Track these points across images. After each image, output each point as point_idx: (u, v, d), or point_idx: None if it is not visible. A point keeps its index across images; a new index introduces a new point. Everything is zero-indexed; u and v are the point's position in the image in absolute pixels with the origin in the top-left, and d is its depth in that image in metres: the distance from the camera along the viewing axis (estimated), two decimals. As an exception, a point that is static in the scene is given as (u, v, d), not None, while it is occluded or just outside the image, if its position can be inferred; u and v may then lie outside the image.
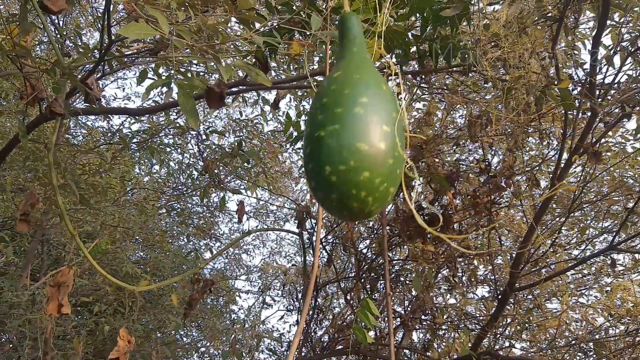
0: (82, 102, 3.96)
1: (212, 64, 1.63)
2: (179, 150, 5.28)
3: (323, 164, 1.06)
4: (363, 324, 2.40)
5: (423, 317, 3.43)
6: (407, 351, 3.87)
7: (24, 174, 3.91)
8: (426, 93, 3.04)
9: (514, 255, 3.02)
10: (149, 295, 5.50)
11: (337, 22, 1.32)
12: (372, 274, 3.35)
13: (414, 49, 2.65)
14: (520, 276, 2.93)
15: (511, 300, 3.31)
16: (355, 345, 3.17)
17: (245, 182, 4.47)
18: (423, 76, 2.90)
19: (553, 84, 2.12)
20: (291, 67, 3.78)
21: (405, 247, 3.25)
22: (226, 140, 5.62)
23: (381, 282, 3.45)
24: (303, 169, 1.36)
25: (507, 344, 3.62)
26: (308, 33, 1.87)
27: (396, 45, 2.49)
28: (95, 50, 2.96)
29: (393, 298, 3.58)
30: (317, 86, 1.24)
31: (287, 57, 3.18)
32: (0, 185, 4.28)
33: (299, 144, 3.10)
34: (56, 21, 3.10)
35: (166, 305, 5.31)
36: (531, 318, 3.48)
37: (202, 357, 6.37)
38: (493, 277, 3.28)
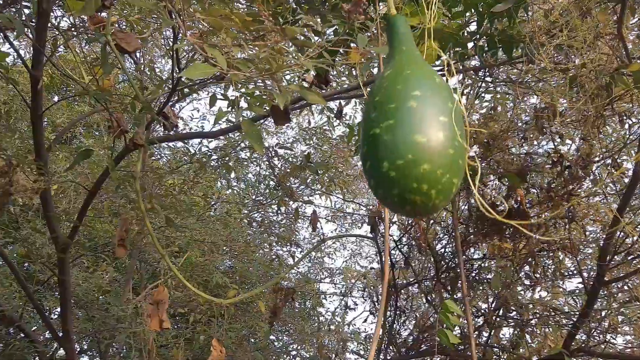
0: (162, 130, 4.25)
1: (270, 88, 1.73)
2: (255, 164, 5.50)
3: (380, 161, 1.03)
4: (445, 325, 2.40)
5: (508, 314, 3.34)
6: (497, 349, 3.78)
7: (117, 200, 4.27)
8: (491, 87, 2.97)
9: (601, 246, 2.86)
10: (239, 303, 5.76)
11: (384, 25, 1.34)
12: (452, 274, 3.32)
13: (471, 44, 2.61)
14: (609, 268, 2.78)
15: (603, 292, 3.14)
16: (440, 346, 3.15)
17: (318, 190, 4.57)
18: (486, 70, 2.84)
19: (624, 67, 2.01)
20: (354, 72, 3.83)
21: (484, 244, 3.19)
22: (298, 149, 5.79)
23: (459, 280, 3.40)
24: (362, 169, 1.36)
25: (601, 338, 3.43)
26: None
27: (451, 46, 2.47)
28: (169, 80, 3.19)
29: (476, 296, 3.52)
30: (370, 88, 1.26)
31: (347, 66, 3.23)
32: (99, 210, 4.69)
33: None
34: (133, 57, 3.40)
35: (255, 312, 5.54)
36: (629, 311, 3.28)
37: (294, 360, 6.56)
38: (580, 270, 3.12)
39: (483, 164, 2.90)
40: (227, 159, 4.88)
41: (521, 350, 3.66)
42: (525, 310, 3.30)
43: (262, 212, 6.21)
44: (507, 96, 3.09)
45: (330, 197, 4.90)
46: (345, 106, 3.37)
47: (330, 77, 2.78)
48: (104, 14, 2.60)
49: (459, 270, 3.16)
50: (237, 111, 3.48)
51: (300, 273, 7.19)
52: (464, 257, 2.82)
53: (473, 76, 2.85)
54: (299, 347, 6.50)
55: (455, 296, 3.42)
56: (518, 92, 2.68)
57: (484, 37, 2.54)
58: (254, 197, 6.39)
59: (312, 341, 6.34)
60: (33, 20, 2.80)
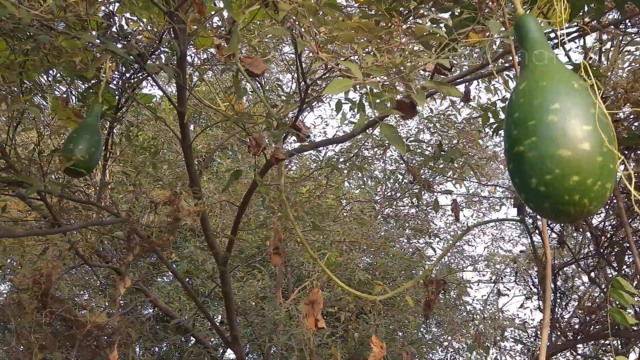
0: (295, 142, 4.47)
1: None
2: (380, 160, 5.53)
3: (528, 177, 1.06)
4: (618, 304, 2.22)
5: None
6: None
7: (261, 212, 4.58)
8: (637, 39, 2.68)
9: None
10: (384, 298, 5.83)
11: (514, 27, 1.31)
12: (616, 248, 3.04)
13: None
14: None
15: None
16: (613, 327, 2.91)
17: (451, 177, 4.47)
18: (626, 22, 2.58)
19: None
20: (474, 53, 3.70)
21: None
22: (424, 138, 5.71)
23: (629, 254, 3.10)
24: (511, 182, 1.38)
25: None
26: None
27: (586, 1, 2.28)
28: (295, 95, 3.35)
29: (648, 270, 3.18)
30: (512, 93, 1.24)
31: (467, 47, 3.13)
32: (245, 223, 5.06)
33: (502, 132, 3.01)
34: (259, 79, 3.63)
35: (402, 306, 5.57)
36: None
37: (446, 351, 6.48)
38: None
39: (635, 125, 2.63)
40: (354, 158, 4.98)
41: None
42: None
43: (395, 207, 6.22)
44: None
45: (464, 183, 4.76)
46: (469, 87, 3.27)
47: (452, 67, 2.72)
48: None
49: (625, 244, 2.90)
50: (361, 117, 3.56)
51: (441, 263, 7.08)
52: (630, 229, 2.58)
53: (613, 31, 2.60)
54: (449, 338, 6.40)
55: (622, 272, 3.14)
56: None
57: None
58: (384, 193, 6.43)
59: (463, 331, 6.21)
60: (172, 62, 3.13)
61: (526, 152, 1.07)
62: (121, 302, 4.93)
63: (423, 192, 3.67)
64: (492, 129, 2.81)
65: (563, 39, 2.44)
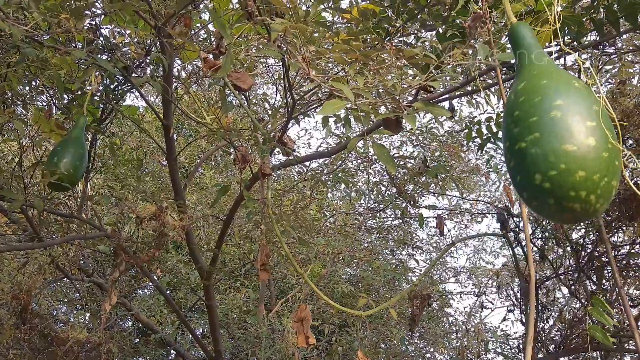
0: (280, 153, 4.47)
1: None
2: (364, 173, 5.56)
3: (532, 174, 1.03)
4: (598, 322, 2.26)
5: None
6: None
7: (245, 226, 4.56)
8: (615, 59, 2.76)
9: None
10: (368, 310, 5.84)
11: (508, 35, 1.33)
12: (596, 263, 3.11)
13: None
14: None
15: None
16: (593, 341, 2.96)
17: (434, 191, 4.52)
18: (605, 43, 2.65)
19: None
20: (458, 68, 3.76)
21: (630, 228, 2.95)
22: (406, 150, 5.75)
23: (607, 269, 3.17)
24: (511, 182, 1.36)
25: None
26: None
27: (568, 24, 2.35)
28: (281, 109, 3.36)
29: (626, 284, 3.26)
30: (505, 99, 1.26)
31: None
32: (229, 236, 5.03)
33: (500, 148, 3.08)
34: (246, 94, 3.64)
35: (385, 318, 5.57)
36: None
37: (429, 363, 6.49)
38: None
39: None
40: (338, 171, 5.00)
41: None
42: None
43: (378, 219, 6.25)
44: (635, 65, 2.85)
45: (446, 195, 4.82)
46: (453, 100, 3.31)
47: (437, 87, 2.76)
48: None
49: (604, 259, 2.96)
50: (347, 128, 3.58)
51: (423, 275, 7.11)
52: (610, 244, 2.64)
53: (592, 52, 2.68)
54: (432, 350, 6.42)
55: (602, 286, 3.20)
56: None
57: (602, 9, 2.39)
58: (366, 204, 6.46)
59: (445, 343, 6.24)
60: (157, 74, 3.12)
61: (528, 148, 1.04)
62: (100, 314, 4.84)
63: (409, 209, 3.70)
64: (477, 146, 2.85)
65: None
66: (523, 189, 1.09)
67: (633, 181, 2.63)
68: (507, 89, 2.84)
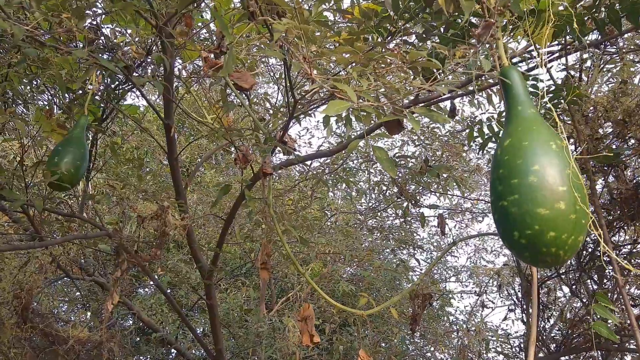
0: (281, 153, 4.47)
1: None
2: (366, 172, 5.56)
3: (511, 230, 1.21)
4: (601, 318, 2.25)
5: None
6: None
7: (246, 225, 4.56)
8: (616, 58, 2.76)
9: None
10: (369, 309, 5.84)
11: (499, 78, 1.40)
12: (596, 262, 3.11)
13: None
14: None
15: None
16: (594, 340, 2.96)
17: (436, 191, 4.52)
18: (605, 43, 2.65)
19: None
20: (458, 68, 3.75)
21: (631, 227, 2.95)
22: (407, 150, 5.75)
23: (609, 268, 3.17)
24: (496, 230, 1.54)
25: None
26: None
27: (569, 23, 2.35)
28: (282, 108, 3.36)
29: (627, 283, 3.26)
30: (494, 151, 1.34)
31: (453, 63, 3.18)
32: (230, 235, 5.03)
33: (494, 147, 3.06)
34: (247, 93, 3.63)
35: (386, 317, 5.58)
36: None
37: (429, 363, 6.50)
38: None
39: (618, 143, 2.70)
40: (339, 170, 5.00)
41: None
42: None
43: (379, 218, 6.25)
44: (636, 64, 2.85)
45: (447, 195, 4.81)
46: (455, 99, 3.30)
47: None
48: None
49: (605, 258, 2.96)
50: (348, 127, 3.58)
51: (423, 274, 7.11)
52: (611, 244, 2.64)
53: (593, 52, 2.68)
54: (432, 349, 6.43)
55: (603, 285, 3.20)
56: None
57: (603, 9, 2.38)
58: (367, 204, 6.46)
59: (446, 342, 6.24)
60: (158, 73, 3.11)
61: (509, 207, 1.21)
62: (101, 313, 4.85)
63: (410, 208, 3.70)
64: (478, 146, 2.85)
65: (548, 57, 2.51)
66: (504, 239, 1.27)
67: (635, 182, 2.63)
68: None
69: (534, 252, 1.20)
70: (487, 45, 1.65)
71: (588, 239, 3.04)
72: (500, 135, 1.44)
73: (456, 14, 2.24)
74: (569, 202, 1.18)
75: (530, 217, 1.17)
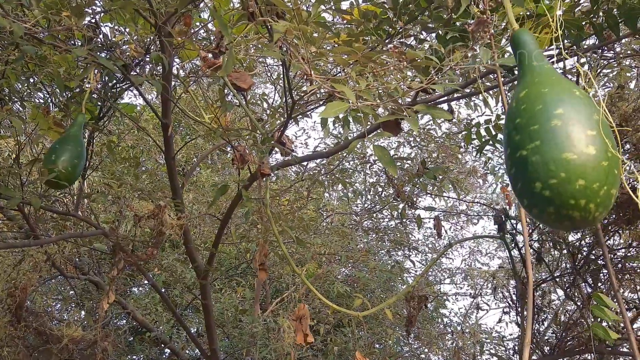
0: (278, 152, 4.47)
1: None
2: (362, 173, 5.57)
3: (532, 181, 1.04)
4: (599, 319, 2.25)
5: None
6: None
7: (242, 225, 4.55)
8: (613, 63, 2.78)
9: None
10: (364, 310, 5.84)
11: (510, 42, 1.33)
12: (591, 266, 3.12)
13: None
14: None
15: None
16: (589, 343, 2.98)
17: (432, 193, 4.53)
18: (603, 47, 2.67)
19: None
20: (457, 70, 3.76)
21: (626, 231, 2.97)
22: (403, 152, 5.77)
23: (603, 272, 3.19)
24: (511, 188, 1.37)
25: None
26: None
27: (568, 27, 2.36)
28: (280, 108, 3.36)
29: (622, 287, 3.28)
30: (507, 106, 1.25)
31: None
32: (226, 235, 5.02)
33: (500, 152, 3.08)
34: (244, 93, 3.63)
35: (381, 319, 5.58)
36: None
37: (423, 364, 6.51)
38: None
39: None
40: (335, 171, 5.00)
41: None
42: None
43: (374, 219, 6.26)
44: (633, 69, 2.87)
45: (443, 197, 4.83)
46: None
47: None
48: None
49: (600, 262, 2.98)
50: (345, 128, 3.59)
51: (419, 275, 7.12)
52: (606, 247, 2.65)
53: (590, 56, 2.69)
54: (427, 351, 6.44)
55: (598, 289, 3.22)
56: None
57: (601, 13, 2.40)
58: (363, 205, 6.47)
59: (440, 344, 6.25)
60: (156, 72, 3.11)
61: (529, 156, 1.05)
62: (96, 312, 4.83)
63: (407, 210, 3.71)
64: (475, 149, 2.86)
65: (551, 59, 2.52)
66: (523, 196, 1.10)
67: (630, 185, 2.65)
68: (507, 92, 2.84)
69: (560, 205, 1.02)
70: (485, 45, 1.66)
71: (583, 242, 3.07)
72: (513, 91, 1.30)
73: (455, 15, 2.25)
74: (599, 147, 1.02)
75: (554, 164, 1.01)
